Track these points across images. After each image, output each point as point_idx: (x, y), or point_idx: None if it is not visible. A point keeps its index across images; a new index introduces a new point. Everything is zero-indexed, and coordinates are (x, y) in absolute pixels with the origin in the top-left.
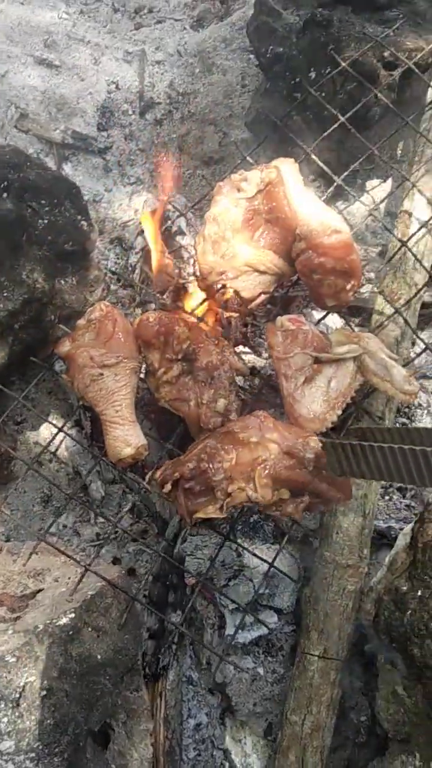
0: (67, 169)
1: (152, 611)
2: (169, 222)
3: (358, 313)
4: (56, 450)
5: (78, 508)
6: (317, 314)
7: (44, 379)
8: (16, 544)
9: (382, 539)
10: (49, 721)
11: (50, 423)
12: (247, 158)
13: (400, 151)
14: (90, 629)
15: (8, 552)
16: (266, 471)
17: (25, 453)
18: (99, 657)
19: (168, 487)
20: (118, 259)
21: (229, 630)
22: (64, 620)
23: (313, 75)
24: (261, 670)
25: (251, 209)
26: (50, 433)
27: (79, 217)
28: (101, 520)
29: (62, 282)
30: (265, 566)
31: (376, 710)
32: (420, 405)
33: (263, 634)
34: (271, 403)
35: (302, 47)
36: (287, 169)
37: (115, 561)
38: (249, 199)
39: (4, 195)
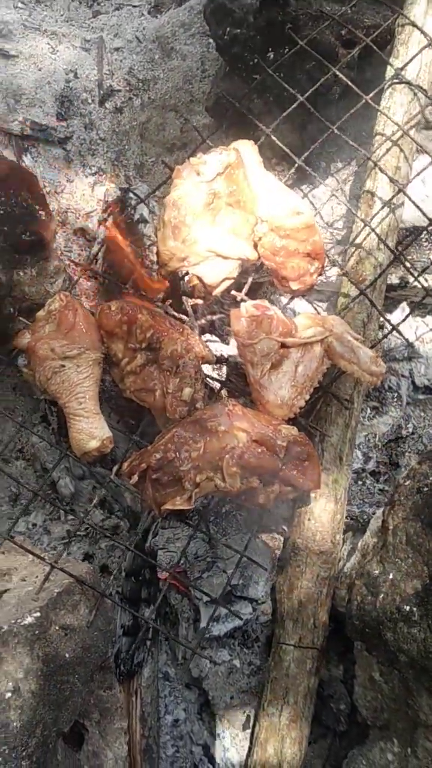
0: (27, 161)
1: (124, 608)
2: (131, 210)
3: (326, 297)
4: (22, 447)
5: (48, 505)
6: (284, 299)
7: (7, 375)
8: None
9: (357, 524)
10: (15, 724)
11: (13, 420)
12: (207, 142)
13: (364, 133)
14: (57, 627)
15: None
16: (234, 459)
17: None
18: (67, 656)
19: (135, 478)
20: (81, 250)
21: (203, 623)
22: (29, 619)
23: (271, 55)
24: (237, 663)
25: (211, 193)
26: (15, 430)
27: (37, 206)
28: (71, 517)
29: (21, 273)
30: (238, 557)
31: (355, 698)
32: (390, 388)
33: (238, 625)
34: (240, 390)
35: (259, 27)
36: (246, 150)
37: (87, 558)
38: (209, 183)
39: None
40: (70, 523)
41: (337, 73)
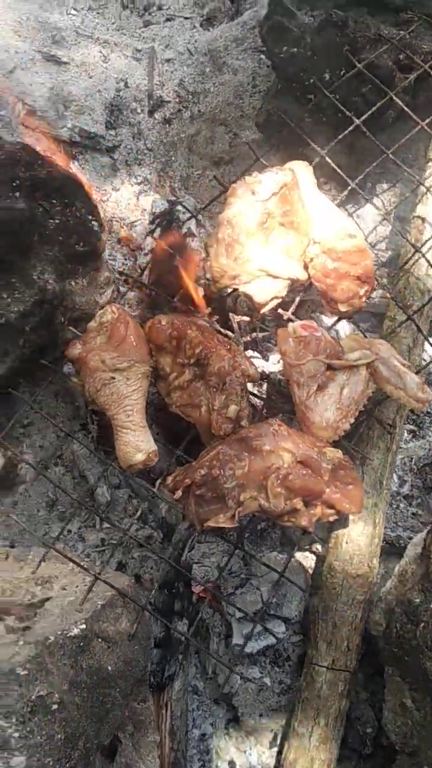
0: (74, 167)
1: (160, 620)
2: (179, 223)
3: (367, 318)
4: (62, 453)
5: (83, 512)
6: (326, 318)
7: (50, 382)
8: (22, 551)
9: (391, 548)
10: (59, 736)
11: (59, 428)
12: (261, 160)
13: (410, 155)
14: (100, 640)
15: (15, 559)
16: (279, 480)
17: (31, 457)
18: (109, 668)
19: (179, 493)
20: (125, 259)
21: (237, 639)
22: (75, 631)
23: (327, 76)
24: (268, 681)
25: (265, 212)
26: (56, 436)
27: (90, 217)
28: (106, 525)
29: (73, 283)
30: (273, 574)
31: (383, 722)
32: (428, 413)
33: (272, 643)
34: (280, 409)
35: (317, 48)
36: (302, 172)
37: (120, 567)
38: (263, 202)
39: (17, 194)
40: (105, 532)
41: (395, 98)
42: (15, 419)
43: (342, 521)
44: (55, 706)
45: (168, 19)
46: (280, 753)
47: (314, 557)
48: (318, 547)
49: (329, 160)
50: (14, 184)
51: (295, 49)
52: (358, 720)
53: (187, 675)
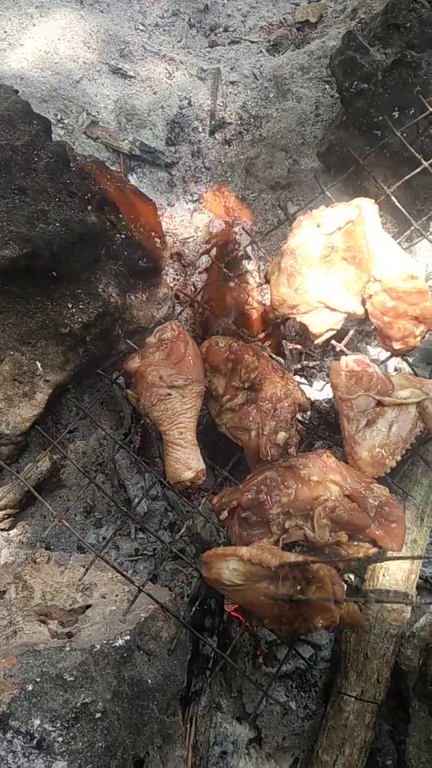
0: (132, 180)
1: (199, 637)
2: (236, 245)
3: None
4: (103, 461)
5: (118, 521)
6: (371, 349)
7: (97, 390)
8: (63, 555)
9: (425, 584)
10: (100, 744)
11: (110, 436)
12: (326, 192)
13: None
14: (142, 653)
15: (56, 563)
16: (326, 512)
17: (76, 462)
18: (149, 681)
19: (225, 514)
20: (177, 275)
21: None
22: (120, 642)
23: (396, 115)
24: (293, 705)
25: (329, 246)
26: (99, 444)
27: (153, 233)
28: (141, 535)
29: (133, 297)
30: None
31: (406, 756)
32: None
33: (301, 668)
34: (322, 436)
35: (388, 86)
36: (369, 209)
37: (153, 579)
38: (327, 236)
39: (89, 207)
40: (139, 542)
41: None
42: (70, 427)
43: (380, 554)
44: (98, 714)
45: (233, 42)
46: None
47: (347, 587)
48: (351, 576)
49: (395, 199)
50: (87, 197)
51: (366, 85)
52: (378, 751)
53: (212, 692)
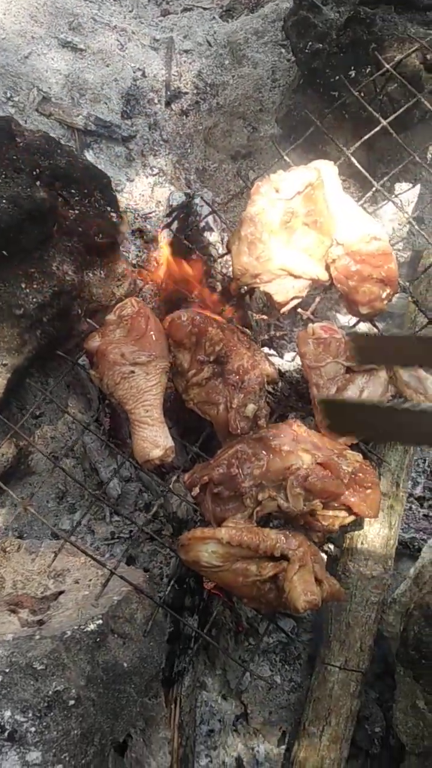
0: (89, 156)
1: (174, 616)
2: (196, 217)
3: (382, 318)
4: (73, 445)
5: (93, 505)
6: (340, 316)
7: (65, 373)
8: (33, 542)
9: (405, 549)
10: (76, 732)
11: (75, 420)
12: (285, 157)
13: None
14: (116, 636)
15: (26, 550)
16: (299, 481)
17: (42, 448)
18: (125, 665)
19: (196, 490)
20: (139, 251)
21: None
22: (91, 626)
23: (353, 74)
24: (278, 679)
25: (289, 211)
26: (67, 428)
27: (109, 208)
28: (116, 518)
29: (91, 275)
30: None
31: (393, 722)
32: None
33: (280, 640)
34: (294, 407)
35: (343, 45)
36: (328, 171)
37: (130, 560)
38: (287, 201)
39: (37, 183)
40: (115, 525)
41: (423, 100)
42: (31, 411)
43: (357, 522)
44: (72, 702)
45: (186, 9)
46: (288, 750)
47: (326, 557)
48: (330, 546)
49: (354, 161)
50: (35, 173)
51: (320, 45)
52: (366, 719)
53: (196, 671)
